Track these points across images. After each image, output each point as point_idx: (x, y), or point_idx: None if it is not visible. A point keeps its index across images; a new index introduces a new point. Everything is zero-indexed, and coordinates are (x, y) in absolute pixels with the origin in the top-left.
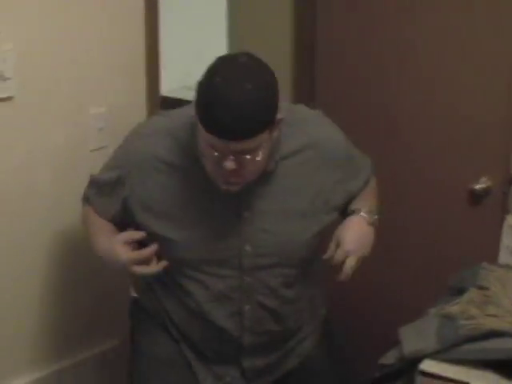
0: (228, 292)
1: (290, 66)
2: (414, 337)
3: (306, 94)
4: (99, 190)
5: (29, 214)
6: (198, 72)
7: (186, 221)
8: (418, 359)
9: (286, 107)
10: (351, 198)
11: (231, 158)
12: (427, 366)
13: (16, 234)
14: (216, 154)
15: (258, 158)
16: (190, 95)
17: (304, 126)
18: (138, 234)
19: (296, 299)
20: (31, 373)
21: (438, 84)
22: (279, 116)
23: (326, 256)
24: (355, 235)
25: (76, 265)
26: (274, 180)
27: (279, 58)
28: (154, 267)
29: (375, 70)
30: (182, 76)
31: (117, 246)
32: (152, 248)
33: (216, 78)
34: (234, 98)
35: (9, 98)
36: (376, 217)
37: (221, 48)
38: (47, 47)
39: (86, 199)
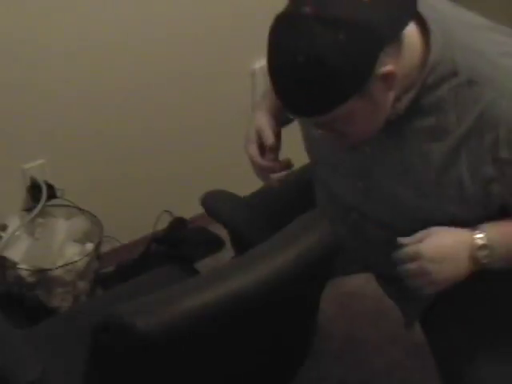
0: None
1: None
2: None
3: None
4: None
5: None
6: None
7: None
8: None
9: (473, 48)
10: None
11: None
12: None
13: None
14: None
15: (350, 126)
16: None
17: (476, 86)
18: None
19: None
20: None
21: None
22: (384, 70)
23: (400, 240)
24: (445, 248)
25: None
26: (410, 129)
27: None
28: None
29: None
30: None
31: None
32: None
33: (270, 40)
34: (281, 75)
35: None
36: (486, 259)
37: None
38: None
39: None
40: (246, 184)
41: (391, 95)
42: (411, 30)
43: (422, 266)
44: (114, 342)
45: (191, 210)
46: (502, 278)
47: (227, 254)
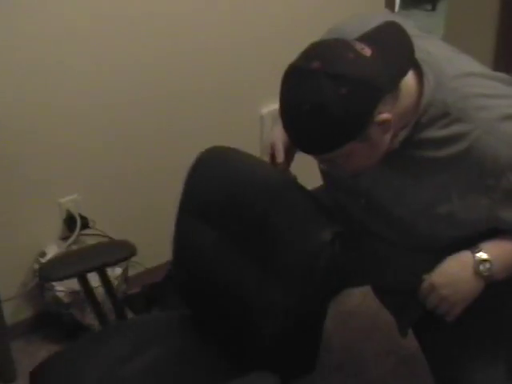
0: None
1: None
2: None
3: None
4: None
5: None
6: None
7: None
8: None
9: (462, 91)
10: (498, 229)
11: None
12: None
13: None
14: None
15: (348, 163)
16: None
17: (464, 125)
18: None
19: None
20: None
21: None
22: (381, 117)
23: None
24: (451, 273)
25: None
26: (405, 158)
27: None
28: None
29: None
30: None
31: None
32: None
33: (282, 88)
34: (290, 120)
35: None
36: (488, 272)
37: None
38: None
39: None
40: None
41: (388, 136)
42: (408, 75)
43: (438, 294)
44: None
45: None
46: (488, 287)
47: None
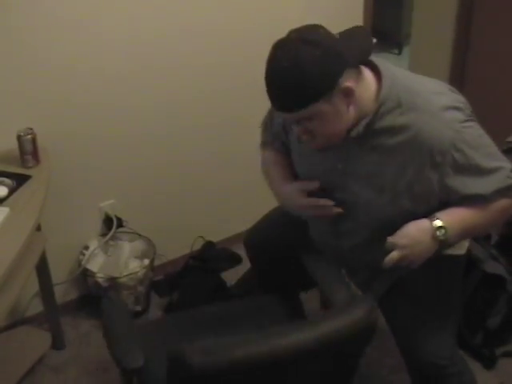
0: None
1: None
2: None
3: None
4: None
5: None
6: None
7: (306, 160)
8: None
9: (412, 88)
10: (450, 199)
11: (293, 122)
12: None
13: None
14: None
15: (319, 126)
16: None
17: (414, 113)
18: (314, 184)
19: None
20: None
21: None
22: (346, 84)
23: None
24: (412, 236)
25: None
26: (369, 146)
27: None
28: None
29: None
30: None
31: (293, 192)
32: (325, 201)
33: (268, 57)
34: (271, 77)
35: None
36: (443, 237)
37: None
38: None
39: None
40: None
41: (351, 111)
42: (369, 75)
43: (400, 252)
44: (173, 372)
45: (218, 235)
46: (434, 272)
47: (245, 267)
